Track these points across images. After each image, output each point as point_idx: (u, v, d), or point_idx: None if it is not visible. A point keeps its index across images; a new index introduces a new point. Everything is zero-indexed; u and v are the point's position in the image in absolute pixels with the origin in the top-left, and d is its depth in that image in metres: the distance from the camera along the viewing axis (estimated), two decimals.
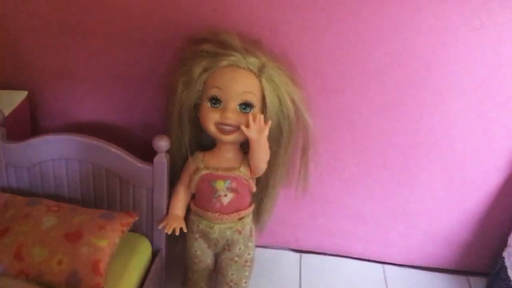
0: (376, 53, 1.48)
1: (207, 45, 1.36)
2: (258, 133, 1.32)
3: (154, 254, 1.58)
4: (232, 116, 1.34)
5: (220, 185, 1.43)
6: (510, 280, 1.63)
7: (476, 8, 1.39)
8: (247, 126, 1.32)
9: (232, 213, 1.47)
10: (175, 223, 1.47)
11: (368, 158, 1.68)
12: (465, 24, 1.42)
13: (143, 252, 1.52)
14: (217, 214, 1.46)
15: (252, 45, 1.38)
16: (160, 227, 1.48)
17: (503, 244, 1.74)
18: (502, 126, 1.57)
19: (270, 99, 1.36)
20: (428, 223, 1.80)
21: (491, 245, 1.81)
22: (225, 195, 1.44)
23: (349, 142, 1.66)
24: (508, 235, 1.72)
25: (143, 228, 1.56)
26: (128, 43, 1.55)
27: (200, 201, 1.48)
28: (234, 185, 1.44)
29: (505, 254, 1.71)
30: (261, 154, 1.38)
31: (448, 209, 1.76)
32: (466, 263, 1.89)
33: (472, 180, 1.69)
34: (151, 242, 1.57)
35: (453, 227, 1.80)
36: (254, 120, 1.32)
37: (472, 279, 1.89)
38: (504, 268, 1.68)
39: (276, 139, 1.43)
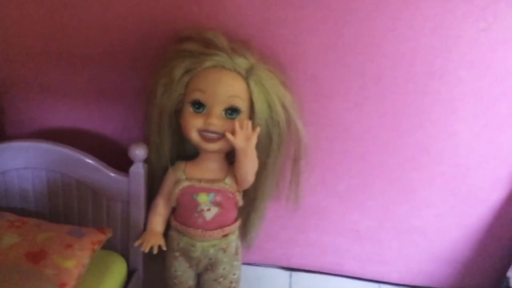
0: (375, 56, 1.38)
1: (190, 44, 1.26)
2: (245, 141, 1.22)
3: (130, 274, 1.47)
4: (217, 122, 1.23)
5: (203, 199, 1.32)
6: None
7: (482, 9, 1.31)
8: (233, 133, 1.22)
9: (216, 229, 1.36)
10: (153, 240, 1.36)
11: (364, 170, 1.57)
12: (470, 25, 1.33)
13: (117, 272, 1.41)
14: (199, 231, 1.34)
15: (239, 45, 1.28)
16: (136, 244, 1.37)
17: (508, 263, 1.65)
18: (509, 136, 1.46)
19: (259, 104, 1.25)
20: (428, 240, 1.70)
21: (495, 264, 1.71)
22: (209, 210, 1.33)
23: (345, 152, 1.55)
24: None
25: (118, 246, 1.46)
26: (104, 46, 1.42)
27: (181, 216, 1.37)
28: (218, 198, 1.32)
29: (510, 273, 1.62)
30: (248, 165, 1.27)
31: (449, 225, 1.66)
32: (468, 283, 1.78)
33: (475, 194, 1.59)
34: (127, 261, 1.46)
35: (454, 244, 1.70)
36: (241, 126, 1.22)
37: None
38: None
39: (265, 148, 1.33)
